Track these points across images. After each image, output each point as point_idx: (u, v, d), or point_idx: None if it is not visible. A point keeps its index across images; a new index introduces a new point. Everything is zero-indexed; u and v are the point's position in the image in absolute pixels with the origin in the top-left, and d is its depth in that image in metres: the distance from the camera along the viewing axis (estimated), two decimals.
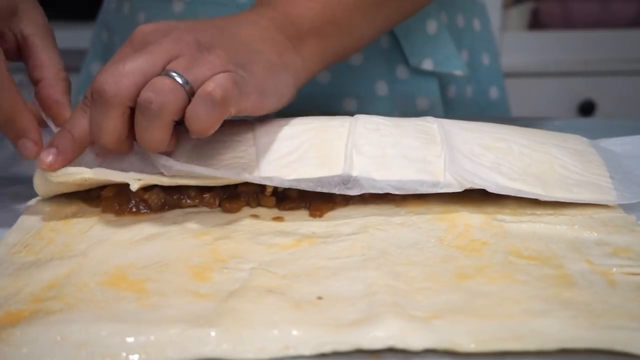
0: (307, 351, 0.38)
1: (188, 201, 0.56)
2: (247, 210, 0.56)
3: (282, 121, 0.61)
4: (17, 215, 0.55)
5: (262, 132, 0.59)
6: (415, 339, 0.39)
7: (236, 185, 0.56)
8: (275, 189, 0.56)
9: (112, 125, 0.52)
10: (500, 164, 0.57)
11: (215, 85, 0.50)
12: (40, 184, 0.55)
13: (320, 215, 0.55)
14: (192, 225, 0.53)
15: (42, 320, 0.40)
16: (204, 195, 0.56)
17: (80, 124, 0.54)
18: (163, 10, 0.83)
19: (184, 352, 0.38)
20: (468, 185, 0.55)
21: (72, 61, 0.74)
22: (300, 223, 0.54)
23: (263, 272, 0.46)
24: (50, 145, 0.54)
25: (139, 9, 0.86)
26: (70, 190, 0.57)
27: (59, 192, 0.57)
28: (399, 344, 0.39)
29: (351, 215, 0.55)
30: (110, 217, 0.55)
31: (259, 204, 0.56)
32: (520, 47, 1.74)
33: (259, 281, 0.45)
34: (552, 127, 0.67)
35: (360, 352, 0.39)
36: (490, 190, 0.55)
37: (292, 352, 0.38)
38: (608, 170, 0.59)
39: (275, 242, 0.50)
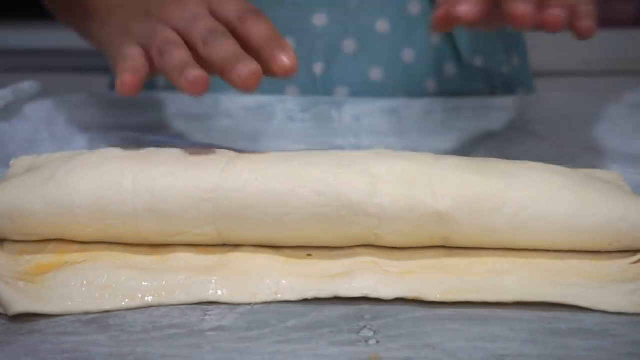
0: (292, 297, 0.45)
1: None
2: None
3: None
4: None
5: None
6: (387, 290, 0.45)
7: None
8: None
9: None
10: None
11: None
12: None
13: None
14: None
15: (71, 268, 0.47)
16: None
17: None
18: None
19: (188, 295, 0.45)
20: None
21: (74, 61, 0.81)
22: None
23: None
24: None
25: None
26: None
27: None
28: (372, 293, 0.44)
29: None
30: None
31: None
32: None
33: None
34: None
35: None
36: None
37: (279, 297, 0.45)
38: None
39: None
